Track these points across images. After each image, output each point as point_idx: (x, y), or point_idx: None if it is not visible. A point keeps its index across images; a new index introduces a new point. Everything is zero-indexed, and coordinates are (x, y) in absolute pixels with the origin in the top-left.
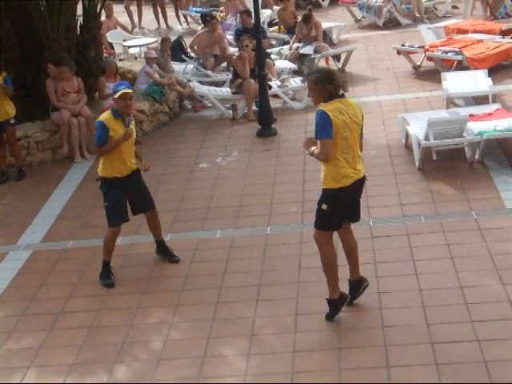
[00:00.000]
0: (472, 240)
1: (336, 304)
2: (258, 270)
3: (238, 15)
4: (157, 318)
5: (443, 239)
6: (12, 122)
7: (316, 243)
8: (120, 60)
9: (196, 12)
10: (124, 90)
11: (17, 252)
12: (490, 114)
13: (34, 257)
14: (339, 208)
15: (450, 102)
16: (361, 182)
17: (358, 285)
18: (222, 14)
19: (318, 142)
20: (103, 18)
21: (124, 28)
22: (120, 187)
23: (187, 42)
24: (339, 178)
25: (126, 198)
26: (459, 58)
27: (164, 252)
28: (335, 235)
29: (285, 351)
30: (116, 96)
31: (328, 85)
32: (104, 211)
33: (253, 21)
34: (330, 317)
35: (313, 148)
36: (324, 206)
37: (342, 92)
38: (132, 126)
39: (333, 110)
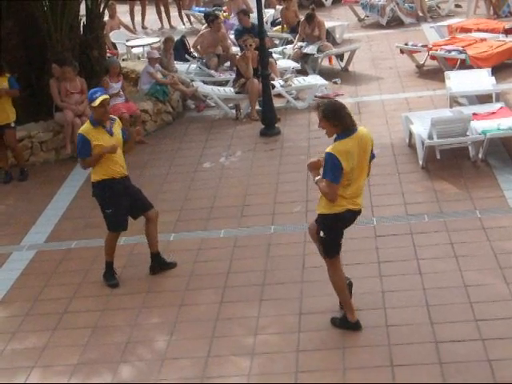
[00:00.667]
0: (476, 239)
1: (349, 325)
2: (261, 270)
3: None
4: (160, 318)
5: (447, 238)
6: (12, 125)
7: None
8: (123, 60)
9: (199, 12)
10: (103, 97)
11: (20, 252)
12: (493, 113)
13: (38, 257)
14: (337, 233)
15: (454, 101)
16: (356, 214)
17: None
18: (225, 14)
19: (325, 180)
20: (106, 18)
21: (127, 28)
22: (121, 190)
23: (190, 41)
24: (332, 205)
25: (128, 202)
26: (462, 56)
27: (161, 264)
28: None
29: (289, 351)
30: (95, 104)
31: (335, 121)
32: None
33: (253, 20)
34: (335, 323)
35: (318, 177)
36: (321, 234)
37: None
38: (116, 125)
39: (344, 153)
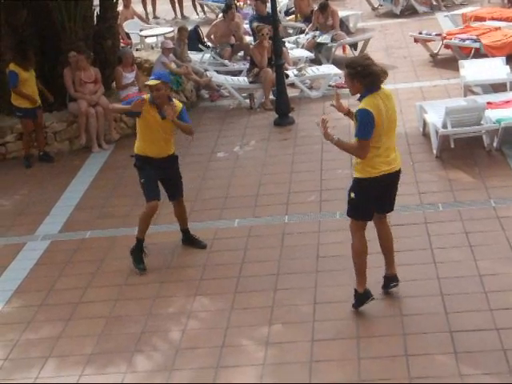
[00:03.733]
0: (490, 228)
1: (359, 297)
2: (276, 259)
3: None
4: (175, 308)
5: (461, 227)
6: (41, 105)
7: (350, 231)
8: (137, 50)
9: (213, 1)
10: (147, 82)
11: (35, 242)
12: (507, 102)
13: (52, 247)
14: (367, 198)
15: (468, 90)
16: (394, 175)
17: (386, 281)
18: (239, 3)
19: (356, 139)
20: (120, 7)
21: (141, 18)
22: (154, 166)
23: (204, 31)
24: (369, 169)
25: (160, 178)
26: (477, 45)
27: (190, 241)
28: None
29: (303, 340)
30: (150, 83)
31: (364, 79)
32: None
33: (269, 9)
34: (354, 306)
35: (335, 137)
36: (352, 195)
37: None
38: (173, 112)
39: (375, 107)
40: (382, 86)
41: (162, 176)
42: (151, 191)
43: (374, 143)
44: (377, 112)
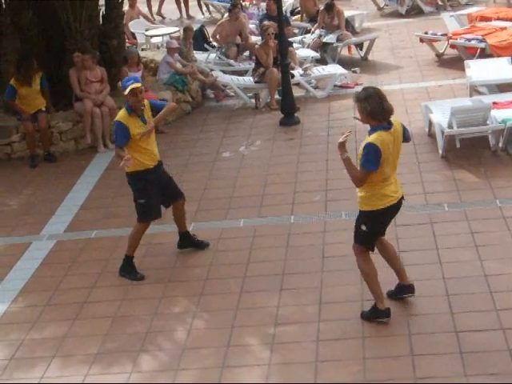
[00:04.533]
0: (496, 228)
1: (378, 313)
2: (281, 259)
3: (262, 3)
4: (181, 308)
5: (467, 228)
6: (43, 109)
7: (355, 255)
8: (142, 50)
9: (218, 1)
10: (132, 86)
11: (40, 242)
12: None
13: (58, 247)
14: (380, 229)
15: (474, 90)
16: (400, 201)
17: (399, 289)
18: (244, 3)
19: (360, 167)
20: (126, 7)
21: (147, 18)
22: (154, 180)
23: (209, 31)
24: (378, 201)
25: (161, 190)
26: (482, 45)
27: (191, 243)
28: None
29: (308, 340)
30: (126, 92)
31: (366, 104)
32: (132, 203)
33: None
34: (365, 316)
35: (346, 155)
36: (363, 228)
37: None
38: (146, 111)
39: (382, 143)
40: (395, 121)
41: (160, 186)
42: (154, 212)
43: (378, 177)
44: (384, 149)
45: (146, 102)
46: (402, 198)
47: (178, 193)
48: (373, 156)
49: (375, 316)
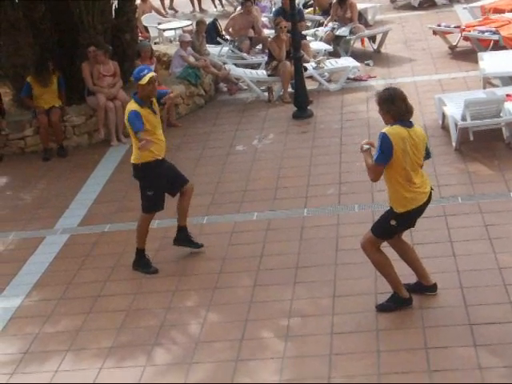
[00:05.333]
0: (510, 221)
1: (401, 301)
2: (295, 253)
3: None
4: (194, 301)
5: (481, 220)
6: (57, 105)
7: (364, 248)
8: (155, 43)
9: None
10: (150, 74)
11: (54, 236)
12: None
13: (72, 241)
14: (408, 225)
15: (487, 82)
16: (429, 199)
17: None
18: None
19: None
20: (138, 1)
21: (158, 12)
22: (162, 171)
23: (222, 24)
24: (406, 203)
25: (168, 181)
26: (496, 37)
27: (185, 240)
28: None
29: (323, 333)
30: (144, 82)
31: (391, 106)
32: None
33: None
34: (382, 307)
35: (367, 147)
36: (393, 223)
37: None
38: (154, 103)
39: (396, 135)
40: (416, 127)
41: (167, 177)
42: (158, 204)
43: (400, 176)
44: (397, 141)
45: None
46: (431, 189)
47: (185, 178)
48: (384, 149)
49: (399, 305)
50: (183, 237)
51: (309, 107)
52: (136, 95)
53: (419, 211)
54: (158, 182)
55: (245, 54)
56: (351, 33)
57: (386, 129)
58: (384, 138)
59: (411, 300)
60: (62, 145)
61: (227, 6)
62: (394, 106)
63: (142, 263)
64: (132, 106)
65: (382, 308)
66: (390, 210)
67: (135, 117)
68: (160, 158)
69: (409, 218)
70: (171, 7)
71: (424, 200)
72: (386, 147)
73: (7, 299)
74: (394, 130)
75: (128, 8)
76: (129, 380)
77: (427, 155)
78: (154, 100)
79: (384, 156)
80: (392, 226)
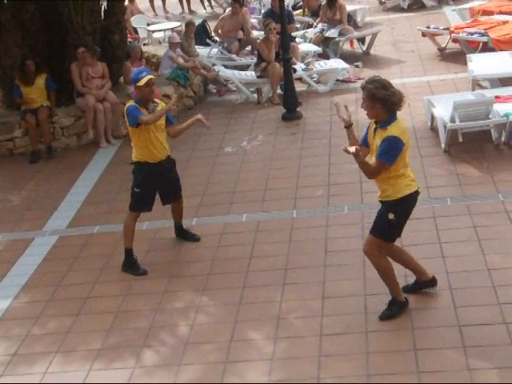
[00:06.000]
0: (499, 222)
1: (400, 305)
2: (284, 254)
3: None
4: (183, 303)
5: (470, 221)
6: (45, 105)
7: (367, 253)
8: (144, 45)
9: None
10: (149, 76)
11: (43, 237)
12: None
13: (60, 242)
14: (407, 216)
15: (476, 84)
16: (418, 191)
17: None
18: None
19: (376, 160)
20: (126, 2)
21: (143, 13)
22: (157, 175)
23: (211, 25)
24: (402, 187)
25: (159, 188)
26: (485, 39)
27: (183, 235)
28: None
29: (312, 335)
30: (141, 83)
31: (387, 94)
32: (129, 194)
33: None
34: (388, 315)
35: (352, 149)
36: (391, 216)
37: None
38: (161, 106)
39: (403, 133)
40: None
41: (162, 185)
42: (144, 204)
43: (402, 165)
44: (406, 140)
45: (159, 101)
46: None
47: (179, 195)
48: (394, 150)
49: (399, 310)
50: (178, 232)
51: (298, 109)
52: (135, 97)
53: (413, 199)
54: (147, 183)
55: (234, 56)
56: (340, 34)
57: (394, 131)
58: (396, 143)
59: (408, 303)
60: (51, 146)
61: (216, 7)
62: (390, 92)
63: (129, 264)
64: (131, 103)
65: (384, 316)
66: (385, 205)
67: (134, 110)
68: (151, 161)
69: (405, 207)
70: (165, 10)
71: (416, 187)
72: (396, 150)
73: None
74: (400, 129)
75: (117, 9)
76: (118, 382)
77: None
78: (161, 104)
79: (394, 157)
80: (391, 221)
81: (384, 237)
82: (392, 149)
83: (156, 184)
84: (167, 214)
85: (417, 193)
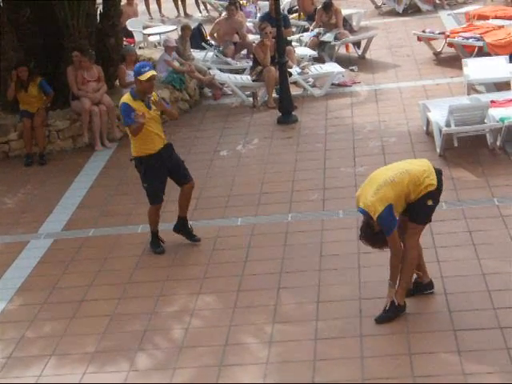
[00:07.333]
0: (494, 227)
1: (399, 309)
2: (279, 258)
3: (259, 1)
4: (178, 306)
5: (465, 226)
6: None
7: (410, 245)
8: (140, 48)
9: (215, 0)
10: (152, 72)
11: (38, 240)
12: (511, 101)
13: (55, 245)
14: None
15: (471, 89)
16: None
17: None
18: (242, 1)
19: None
20: (123, 3)
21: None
22: (157, 165)
23: (207, 29)
24: (426, 186)
25: (166, 175)
26: (480, 44)
27: (185, 231)
28: None
29: (307, 339)
30: (144, 78)
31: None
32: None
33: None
34: (381, 319)
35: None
36: (430, 202)
37: None
38: (154, 97)
39: (392, 200)
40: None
41: (166, 169)
42: (155, 197)
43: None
44: (395, 204)
45: (155, 95)
46: None
47: (186, 177)
48: (389, 222)
49: (398, 313)
50: (180, 226)
51: (293, 113)
52: (133, 89)
53: (442, 182)
54: (151, 175)
55: (229, 59)
56: (336, 38)
57: (383, 212)
58: (387, 220)
59: (405, 307)
60: (43, 153)
61: (212, 11)
62: None
63: (151, 242)
64: (124, 98)
65: (382, 320)
66: (419, 200)
67: (124, 110)
68: (153, 152)
69: (439, 191)
70: (161, 14)
71: (435, 181)
72: (392, 220)
73: None
74: (387, 203)
75: (113, 12)
76: None
77: None
78: (155, 95)
79: (392, 227)
80: (430, 206)
81: (427, 221)
82: (386, 225)
83: (160, 173)
84: (162, 217)
85: (440, 183)
